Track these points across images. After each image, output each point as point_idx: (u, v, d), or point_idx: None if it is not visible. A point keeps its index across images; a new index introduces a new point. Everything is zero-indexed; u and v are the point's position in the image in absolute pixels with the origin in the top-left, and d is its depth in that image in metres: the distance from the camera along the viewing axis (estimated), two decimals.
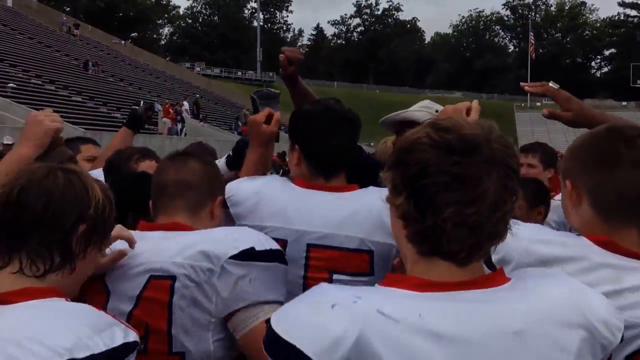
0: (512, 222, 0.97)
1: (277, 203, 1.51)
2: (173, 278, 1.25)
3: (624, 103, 49.40)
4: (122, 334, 0.99)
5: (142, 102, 2.44)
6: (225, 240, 1.29)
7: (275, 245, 1.35)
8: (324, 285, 0.95)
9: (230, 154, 2.00)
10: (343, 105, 1.59)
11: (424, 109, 1.77)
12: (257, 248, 1.29)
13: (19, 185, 1.06)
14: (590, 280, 1.06)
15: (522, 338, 0.86)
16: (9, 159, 1.60)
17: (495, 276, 0.94)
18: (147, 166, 1.90)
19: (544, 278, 0.97)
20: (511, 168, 0.91)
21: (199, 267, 1.25)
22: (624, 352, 1.05)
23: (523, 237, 1.11)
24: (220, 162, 1.94)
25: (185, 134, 21.00)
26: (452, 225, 0.88)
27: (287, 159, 1.72)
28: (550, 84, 1.62)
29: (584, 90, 58.79)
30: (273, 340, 0.87)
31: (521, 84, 1.68)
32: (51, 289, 1.05)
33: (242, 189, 1.57)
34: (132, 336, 1.00)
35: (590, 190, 1.18)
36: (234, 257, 1.26)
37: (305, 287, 1.41)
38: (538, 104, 40.36)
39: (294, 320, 0.88)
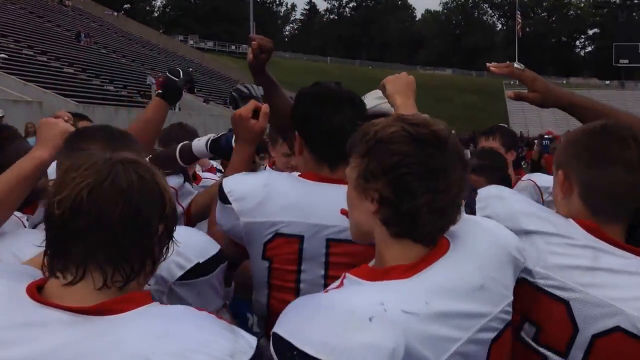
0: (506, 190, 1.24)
1: (288, 196, 1.35)
2: None
3: (607, 82, 49.58)
4: (247, 334, 0.90)
5: (181, 73, 2.03)
6: (167, 259, 1.19)
7: (215, 247, 1.29)
8: (330, 297, 0.94)
9: (214, 136, 1.80)
10: (343, 88, 1.50)
11: (382, 99, 1.67)
12: (202, 261, 1.24)
13: (86, 186, 0.87)
14: (570, 253, 1.13)
15: (484, 290, 1.00)
16: (24, 163, 1.43)
17: (442, 242, 1.03)
18: None
19: (469, 231, 1.07)
20: (466, 163, 1.02)
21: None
22: (590, 330, 1.08)
23: (514, 208, 1.20)
24: (200, 141, 1.80)
25: (179, 109, 20.40)
26: (426, 210, 0.97)
27: (271, 155, 1.57)
28: (515, 65, 1.55)
29: (569, 69, 58.78)
30: None
31: (487, 64, 1.61)
32: (148, 293, 0.95)
33: (246, 183, 1.40)
34: (249, 334, 0.91)
35: (581, 183, 1.20)
36: (180, 278, 1.22)
37: (327, 287, 1.31)
38: None
39: (340, 345, 0.84)
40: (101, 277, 0.88)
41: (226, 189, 1.41)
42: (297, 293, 1.35)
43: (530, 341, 1.14)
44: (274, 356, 0.90)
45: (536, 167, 7.63)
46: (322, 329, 0.86)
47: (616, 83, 48.91)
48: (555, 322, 1.11)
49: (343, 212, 1.16)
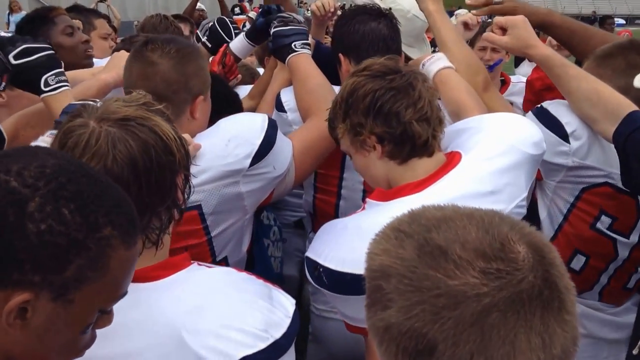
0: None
1: None
2: (198, 207, 1.14)
3: None
4: (284, 297, 0.85)
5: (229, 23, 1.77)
6: (229, 155, 1.14)
7: (264, 117, 1.24)
8: (347, 221, 1.06)
9: (249, 26, 1.69)
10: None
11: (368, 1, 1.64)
12: (260, 142, 1.17)
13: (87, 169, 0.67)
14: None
15: (495, 194, 1.06)
16: (90, 83, 1.44)
17: (454, 156, 1.10)
18: None
19: (480, 141, 1.12)
20: (425, 77, 1.11)
21: (222, 185, 1.15)
22: (579, 188, 1.34)
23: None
24: (238, 39, 1.72)
25: None
26: (415, 122, 1.05)
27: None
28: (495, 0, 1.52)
29: None
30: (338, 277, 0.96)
31: (467, 1, 1.54)
32: (187, 256, 0.86)
33: None
34: (287, 295, 0.86)
35: (619, 90, 1.29)
36: (250, 168, 1.16)
37: (365, 192, 1.45)
38: None
39: (351, 257, 0.93)
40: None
41: (283, 99, 1.49)
42: (339, 197, 1.47)
43: (605, 230, 1.36)
44: (308, 276, 1.02)
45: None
46: (338, 247, 0.98)
47: None
48: (627, 213, 1.35)
49: (367, 188, 1.30)
